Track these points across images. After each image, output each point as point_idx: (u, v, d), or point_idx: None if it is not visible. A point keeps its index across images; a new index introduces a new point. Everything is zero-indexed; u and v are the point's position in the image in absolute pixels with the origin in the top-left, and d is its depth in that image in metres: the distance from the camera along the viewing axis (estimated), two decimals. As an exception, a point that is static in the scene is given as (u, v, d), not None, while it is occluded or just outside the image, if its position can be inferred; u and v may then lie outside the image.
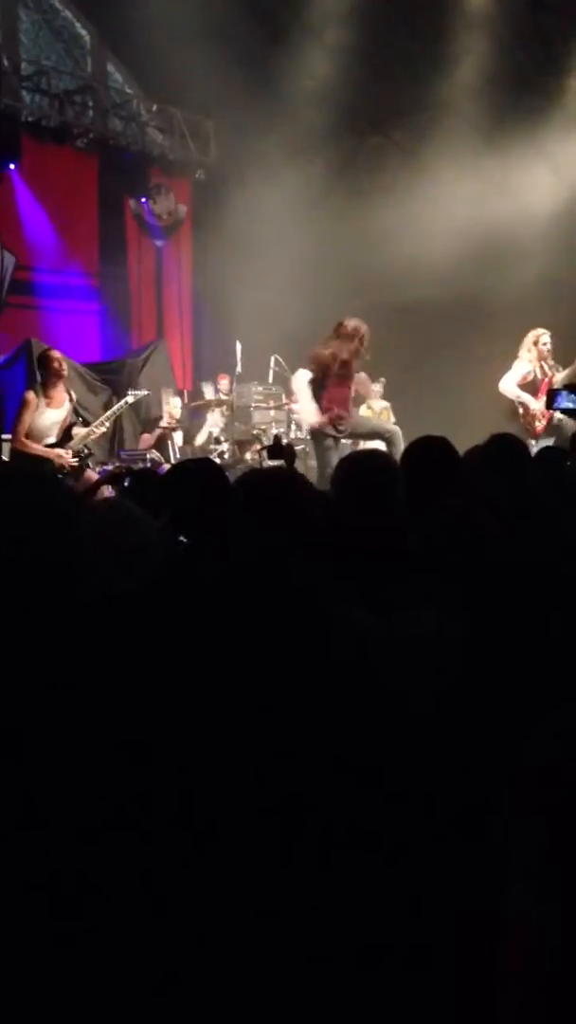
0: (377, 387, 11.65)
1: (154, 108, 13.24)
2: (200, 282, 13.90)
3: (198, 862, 1.24)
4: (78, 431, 7.69)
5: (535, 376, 7.78)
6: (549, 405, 7.06)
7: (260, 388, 11.05)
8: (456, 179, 10.51)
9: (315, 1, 10.91)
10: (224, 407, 11.11)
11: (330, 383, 7.54)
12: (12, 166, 11.57)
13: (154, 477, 4.98)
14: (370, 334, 7.41)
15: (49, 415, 7.45)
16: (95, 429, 7.96)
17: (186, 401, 11.77)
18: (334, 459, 7.76)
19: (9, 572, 1.71)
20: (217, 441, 10.80)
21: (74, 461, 7.50)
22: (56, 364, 7.57)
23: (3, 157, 11.45)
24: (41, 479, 1.75)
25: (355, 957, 1.19)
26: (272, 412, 10.83)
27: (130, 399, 8.76)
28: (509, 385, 7.80)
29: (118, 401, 11.22)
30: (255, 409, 10.85)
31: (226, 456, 10.32)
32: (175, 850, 1.26)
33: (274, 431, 10.62)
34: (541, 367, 7.81)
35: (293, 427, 10.68)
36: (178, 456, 10.08)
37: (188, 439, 11.12)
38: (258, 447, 10.30)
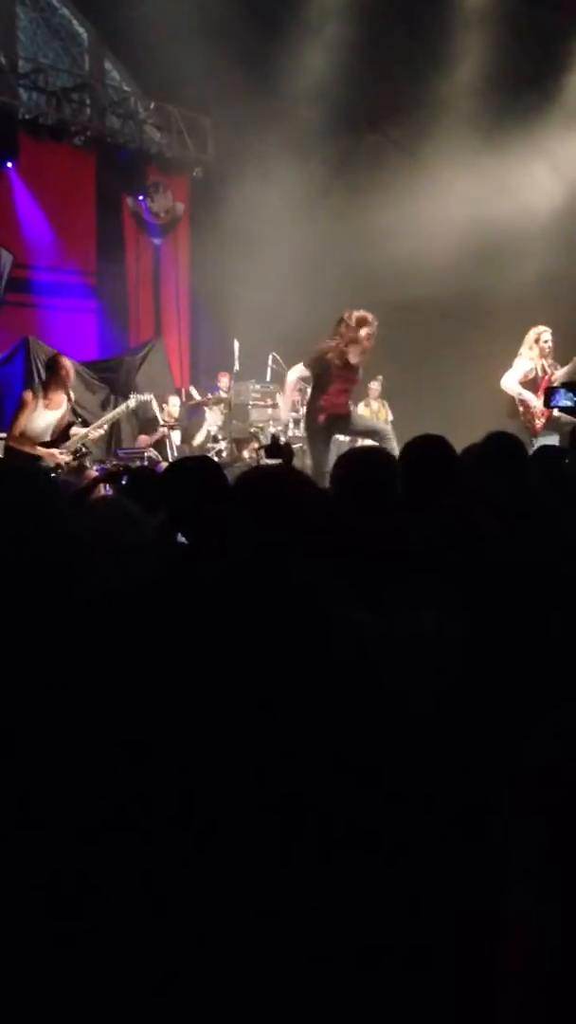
0: (375, 385, 11.66)
1: (152, 106, 13.23)
2: (198, 280, 13.89)
3: (198, 862, 1.24)
4: (77, 431, 7.69)
5: (536, 374, 7.78)
6: (547, 403, 7.05)
7: (258, 386, 11.05)
8: (455, 177, 10.50)
9: (313, -2, 10.91)
10: (222, 405, 11.11)
11: (330, 382, 7.54)
12: (9, 164, 11.56)
13: (152, 475, 4.98)
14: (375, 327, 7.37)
15: (46, 416, 7.46)
16: (94, 430, 7.96)
17: (184, 400, 11.76)
18: (329, 457, 7.78)
19: (4, 570, 1.71)
20: (215, 439, 10.80)
21: (69, 458, 7.50)
22: (64, 372, 7.57)
23: (0, 155, 11.43)
24: (32, 476, 1.75)
25: (355, 957, 1.19)
26: (270, 410, 10.82)
27: (132, 403, 8.74)
28: (510, 382, 7.81)
29: (115, 399, 11.24)
30: (253, 407, 10.85)
31: (224, 454, 10.32)
32: (175, 850, 1.26)
33: (272, 429, 10.63)
34: (542, 365, 7.81)
35: (291, 425, 10.68)
36: (176, 455, 10.08)
37: (186, 438, 11.12)
38: (256, 445, 10.30)
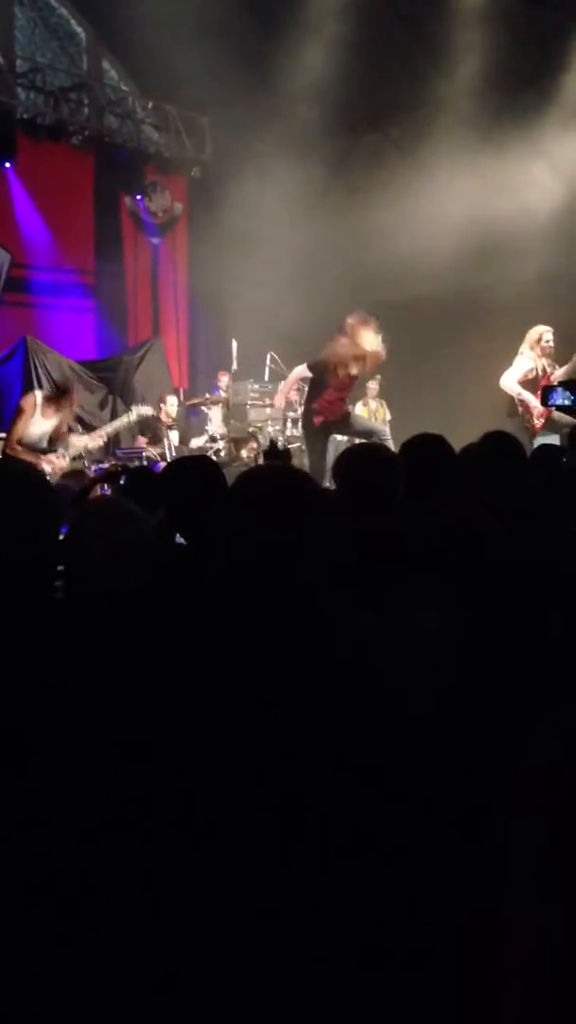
0: (373, 385, 11.66)
1: (149, 105, 13.23)
2: (196, 280, 13.88)
3: (198, 862, 1.24)
4: (76, 440, 7.70)
5: (536, 373, 7.79)
6: (544, 402, 7.06)
7: (256, 386, 11.05)
8: (453, 176, 10.50)
9: (311, -3, 10.91)
10: (220, 405, 11.10)
11: (327, 386, 7.56)
12: (8, 164, 11.55)
13: (150, 475, 4.98)
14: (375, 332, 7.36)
15: (42, 424, 7.48)
16: (92, 440, 7.97)
17: (182, 400, 11.75)
18: (327, 456, 7.80)
19: (4, 571, 1.71)
20: (213, 439, 10.80)
21: (65, 463, 7.51)
22: (68, 403, 7.56)
23: (-1, 155, 11.44)
24: (30, 478, 1.75)
25: (355, 957, 1.19)
26: (268, 410, 10.82)
27: (134, 416, 8.73)
28: (510, 382, 7.81)
29: (114, 399, 11.24)
30: (251, 407, 10.85)
31: (222, 454, 10.31)
32: (175, 850, 1.26)
33: (270, 429, 10.63)
34: (543, 365, 7.82)
35: (289, 424, 10.68)
36: (175, 454, 10.07)
37: (184, 439, 11.11)
38: (254, 445, 10.30)
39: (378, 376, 11.39)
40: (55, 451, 7.48)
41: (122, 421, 8.75)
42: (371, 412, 11.56)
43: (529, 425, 7.77)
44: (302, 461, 8.59)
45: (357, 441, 8.04)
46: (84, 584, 2.10)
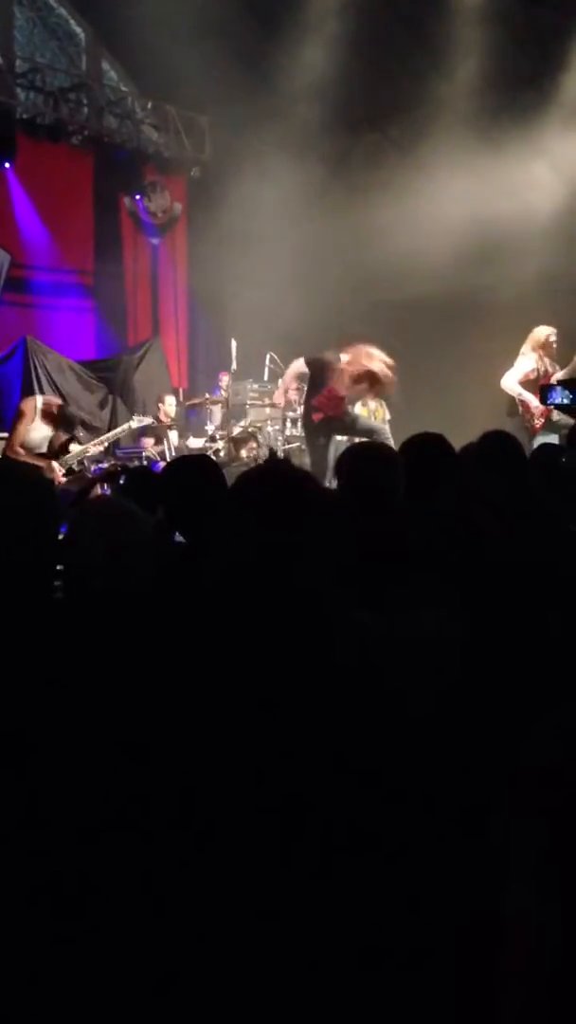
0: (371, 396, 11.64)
1: (149, 105, 13.22)
2: (195, 280, 13.87)
3: (198, 862, 1.24)
4: (75, 447, 7.71)
5: (538, 374, 7.79)
6: (543, 400, 7.07)
7: (255, 386, 11.05)
8: (453, 176, 10.50)
9: (311, -3, 10.91)
10: (219, 405, 11.10)
11: (325, 383, 7.56)
12: (7, 164, 11.54)
13: (150, 475, 4.98)
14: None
15: (42, 429, 7.49)
16: (93, 447, 8.00)
17: (181, 400, 11.74)
18: (327, 456, 7.80)
19: (4, 571, 1.71)
20: (213, 439, 10.79)
21: (62, 475, 7.52)
22: (67, 426, 7.57)
23: (-1, 155, 11.44)
24: (31, 479, 1.75)
25: (355, 957, 1.19)
26: (268, 410, 10.82)
27: (135, 424, 8.73)
28: (511, 382, 7.83)
29: (113, 399, 11.24)
30: (251, 407, 10.85)
31: (221, 454, 10.31)
32: (175, 850, 1.26)
33: (269, 428, 10.62)
34: (545, 366, 7.82)
35: (288, 424, 10.67)
36: (174, 454, 10.07)
37: (183, 439, 11.10)
38: (253, 445, 10.29)
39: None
40: (56, 458, 7.49)
41: (123, 428, 8.75)
42: (371, 411, 11.54)
43: (529, 425, 7.78)
44: (302, 461, 8.58)
45: (357, 440, 8.04)
46: (84, 584, 2.10)
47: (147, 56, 11.72)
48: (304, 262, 11.51)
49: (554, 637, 1.73)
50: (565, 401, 6.56)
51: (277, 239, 11.30)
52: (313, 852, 1.21)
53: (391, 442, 7.28)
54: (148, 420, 9.03)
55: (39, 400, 7.66)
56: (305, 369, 7.77)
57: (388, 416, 11.55)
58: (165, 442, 10.33)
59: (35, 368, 10.34)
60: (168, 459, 9.64)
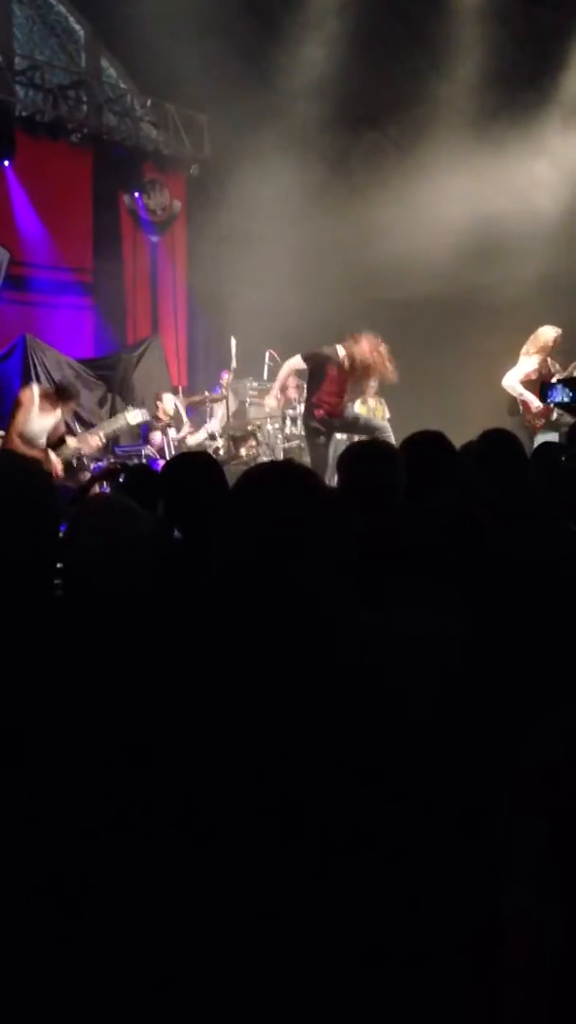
0: (372, 383, 11.64)
1: (148, 103, 13.21)
2: (195, 278, 13.86)
3: (198, 862, 1.24)
4: (71, 441, 7.69)
5: (539, 374, 7.79)
6: (544, 398, 7.07)
7: (255, 384, 11.04)
8: (452, 175, 10.49)
9: (310, -5, 10.90)
10: (219, 403, 11.09)
11: (324, 379, 7.55)
12: (6, 162, 11.53)
13: (150, 473, 4.98)
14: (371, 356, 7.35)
15: (41, 420, 7.45)
16: (89, 440, 7.96)
17: (180, 397, 11.73)
18: (327, 455, 7.79)
19: (4, 570, 1.70)
20: (212, 437, 10.79)
21: (60, 470, 7.50)
22: (69, 404, 7.55)
23: (-2, 153, 11.43)
24: (31, 476, 1.75)
25: (355, 957, 1.19)
26: (267, 408, 10.82)
27: (132, 420, 8.71)
28: (512, 382, 7.83)
29: (113, 397, 11.24)
30: (250, 405, 10.84)
31: (221, 452, 10.31)
32: (176, 850, 1.26)
33: (269, 427, 10.62)
34: (547, 366, 7.82)
35: (288, 422, 10.67)
36: (173, 452, 10.07)
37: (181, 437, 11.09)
38: (253, 443, 10.29)
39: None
40: (55, 449, 7.47)
41: (117, 423, 8.69)
42: (370, 410, 11.54)
43: (529, 424, 7.78)
44: (302, 459, 8.58)
45: (357, 438, 8.04)
46: (84, 582, 2.10)
47: (146, 54, 11.71)
48: (304, 260, 11.50)
49: (554, 636, 1.73)
50: (566, 399, 6.57)
51: (277, 237, 11.29)
52: (313, 852, 1.21)
53: (392, 440, 7.27)
54: (144, 415, 8.97)
55: (36, 389, 7.63)
56: (303, 365, 7.75)
57: (388, 414, 11.56)
58: (164, 440, 10.33)
59: (34, 366, 10.34)
60: (167, 457, 9.65)
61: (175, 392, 11.61)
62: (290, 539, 1.35)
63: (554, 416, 7.56)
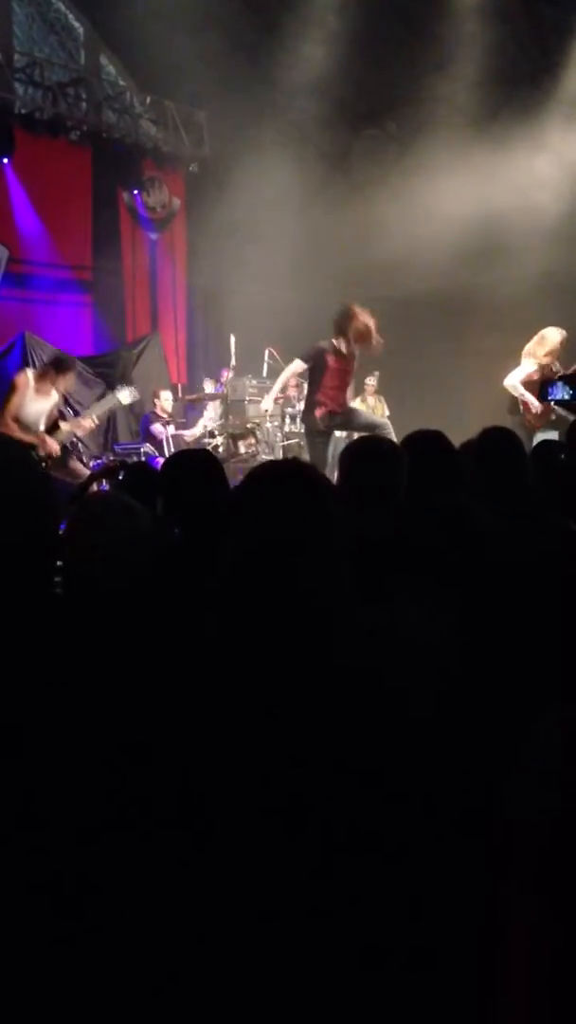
0: (371, 381, 11.64)
1: (147, 100, 13.21)
2: (194, 275, 13.87)
3: (199, 863, 1.24)
4: (64, 425, 7.69)
5: (542, 375, 7.79)
6: (544, 396, 7.07)
7: (254, 381, 11.04)
8: (452, 171, 10.49)
9: (309, -8, 10.90)
10: (217, 400, 11.10)
11: (324, 374, 7.54)
12: (5, 160, 11.53)
13: (149, 471, 4.97)
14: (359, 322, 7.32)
15: (38, 403, 7.42)
16: (82, 423, 7.96)
17: (180, 395, 11.74)
18: (326, 453, 7.79)
19: (4, 569, 1.70)
20: (211, 435, 10.79)
21: (58, 447, 7.50)
22: (65, 375, 7.51)
23: (-3, 151, 11.43)
24: (27, 473, 1.74)
25: (356, 958, 1.19)
26: (262, 409, 10.82)
27: (124, 399, 8.68)
28: (514, 382, 7.84)
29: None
30: (249, 403, 10.84)
31: (220, 450, 10.31)
32: (176, 851, 1.26)
33: (268, 424, 10.62)
34: (549, 367, 7.82)
35: (287, 420, 10.67)
36: (172, 449, 10.08)
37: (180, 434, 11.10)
38: (252, 441, 10.29)
39: (376, 373, 11.38)
40: (50, 434, 7.46)
41: (109, 403, 8.65)
42: (370, 408, 11.56)
43: (529, 423, 7.78)
44: (301, 457, 8.57)
45: (356, 436, 8.03)
46: (83, 580, 2.10)
47: (146, 51, 11.71)
48: (303, 258, 11.50)
49: (554, 636, 1.73)
50: (566, 396, 6.57)
51: (276, 235, 11.29)
52: (313, 851, 1.21)
53: (393, 438, 7.25)
54: (134, 394, 8.89)
55: (30, 373, 7.60)
56: (304, 367, 7.75)
57: (387, 412, 11.57)
58: (163, 438, 10.34)
59: (33, 364, 10.33)
60: (166, 453, 9.65)
61: (174, 390, 11.62)
62: (297, 540, 1.35)
63: (553, 416, 7.56)
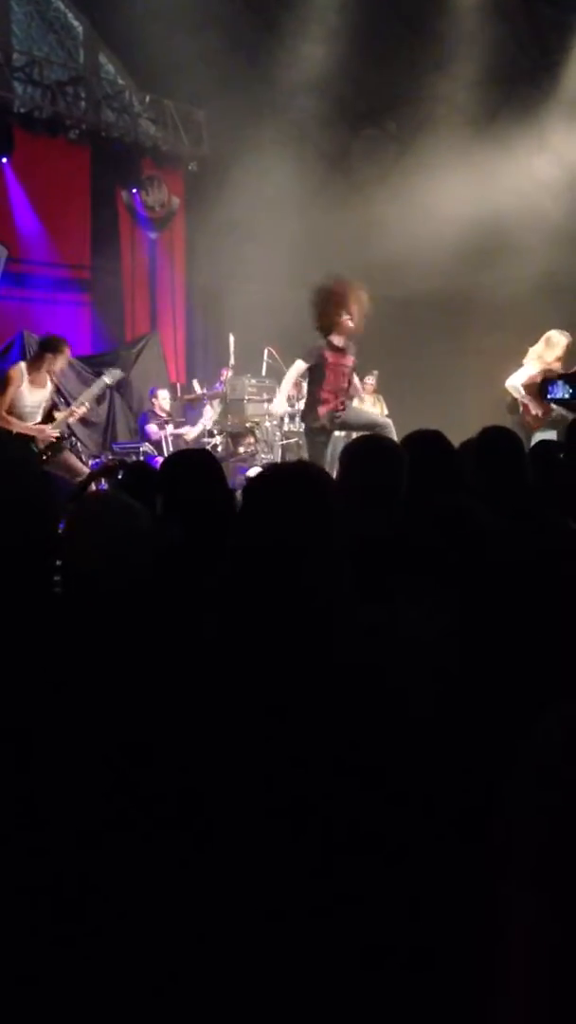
0: (370, 380, 11.64)
1: (147, 99, 13.19)
2: (193, 275, 13.85)
3: (199, 863, 1.24)
4: (59, 414, 7.72)
5: (543, 377, 7.79)
6: (543, 395, 7.07)
7: (253, 381, 11.03)
8: (452, 170, 10.49)
9: (309, -10, 10.89)
10: (216, 400, 11.09)
11: (324, 373, 7.54)
12: (4, 159, 11.51)
13: (148, 470, 4.97)
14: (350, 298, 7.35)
15: (34, 394, 7.42)
16: (75, 409, 8.01)
17: (179, 395, 11.73)
18: (325, 452, 7.78)
19: (4, 568, 1.70)
20: (210, 434, 10.78)
21: (55, 433, 7.52)
22: (63, 356, 7.52)
23: (-4, 150, 11.42)
24: (26, 472, 1.74)
25: (356, 958, 1.19)
26: (266, 405, 10.81)
27: (107, 379, 8.65)
28: (515, 384, 7.86)
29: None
30: (248, 402, 10.83)
31: (219, 449, 10.31)
32: (177, 852, 1.26)
33: (267, 424, 10.61)
34: (551, 369, 7.82)
35: (286, 420, 10.66)
36: (171, 449, 10.07)
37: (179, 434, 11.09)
38: (251, 440, 10.28)
39: (375, 372, 11.38)
40: (47, 424, 7.48)
41: (98, 386, 8.65)
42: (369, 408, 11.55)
43: (528, 423, 7.79)
44: (300, 456, 8.57)
45: (356, 435, 8.02)
46: (83, 580, 2.10)
47: (145, 50, 11.70)
48: (303, 257, 11.47)
49: (554, 635, 1.73)
50: (566, 395, 6.57)
51: (275, 234, 11.28)
52: (314, 851, 1.21)
53: (394, 437, 7.25)
54: (114, 374, 8.87)
55: (23, 365, 7.60)
56: (305, 365, 7.75)
57: (386, 412, 11.56)
58: (162, 437, 10.33)
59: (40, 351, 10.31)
60: (165, 453, 9.65)
61: (173, 389, 11.61)
62: (297, 540, 1.34)
63: (553, 414, 7.57)
